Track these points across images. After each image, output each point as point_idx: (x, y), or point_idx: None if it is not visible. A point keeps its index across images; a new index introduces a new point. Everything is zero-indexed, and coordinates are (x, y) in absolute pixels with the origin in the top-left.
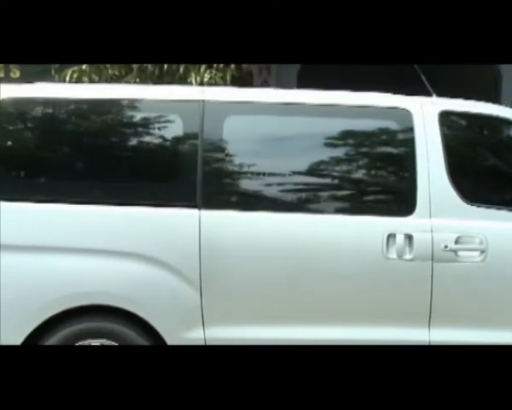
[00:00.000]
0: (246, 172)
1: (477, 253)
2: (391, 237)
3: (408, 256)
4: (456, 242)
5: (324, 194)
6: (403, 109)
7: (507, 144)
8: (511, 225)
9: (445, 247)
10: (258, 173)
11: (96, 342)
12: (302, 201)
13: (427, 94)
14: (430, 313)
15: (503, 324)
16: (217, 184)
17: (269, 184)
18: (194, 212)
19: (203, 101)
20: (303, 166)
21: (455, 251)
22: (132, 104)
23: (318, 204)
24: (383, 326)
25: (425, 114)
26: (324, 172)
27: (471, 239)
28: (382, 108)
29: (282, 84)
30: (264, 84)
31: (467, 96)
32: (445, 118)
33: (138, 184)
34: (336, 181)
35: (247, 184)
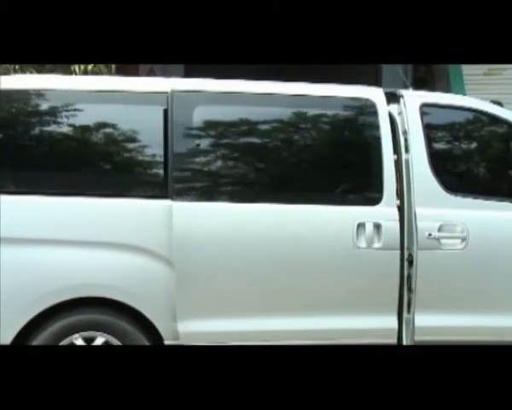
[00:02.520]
0: (216, 163)
1: (459, 240)
2: (360, 226)
3: (377, 245)
4: (439, 230)
5: (295, 184)
6: (367, 100)
7: (485, 136)
8: (490, 213)
9: (429, 235)
10: (229, 163)
11: (88, 335)
12: (273, 191)
13: (404, 87)
14: (401, 300)
15: (484, 308)
16: (188, 175)
17: (239, 175)
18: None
19: (172, 91)
20: (273, 156)
21: (438, 239)
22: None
23: (289, 194)
24: (354, 315)
25: (406, 106)
26: (295, 163)
27: (453, 227)
28: (347, 98)
29: (167, 73)
30: (151, 73)
31: None
32: (426, 110)
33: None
34: (306, 171)
35: (217, 175)
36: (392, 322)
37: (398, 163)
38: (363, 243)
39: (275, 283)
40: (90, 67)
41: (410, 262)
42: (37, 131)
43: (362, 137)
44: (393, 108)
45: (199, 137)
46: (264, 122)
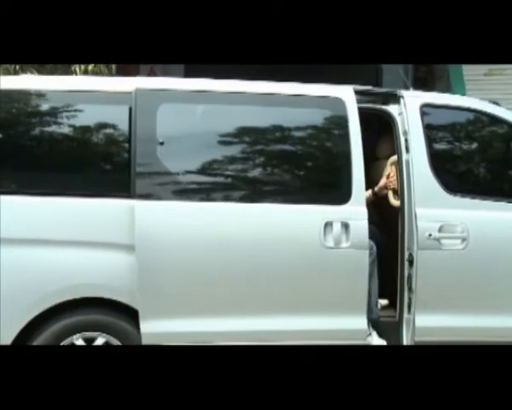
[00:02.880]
0: (180, 162)
1: (459, 241)
2: (328, 225)
3: (345, 244)
4: (440, 230)
5: (260, 182)
6: (336, 98)
7: (485, 136)
8: (490, 213)
9: (429, 235)
10: (193, 163)
11: (89, 335)
12: (238, 190)
13: (405, 87)
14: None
15: (484, 308)
16: (150, 174)
17: (204, 174)
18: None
19: (136, 90)
20: (238, 155)
21: (438, 239)
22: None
23: (254, 193)
24: (322, 316)
25: (407, 106)
26: (261, 161)
27: (453, 228)
28: (316, 97)
29: (168, 73)
30: (151, 73)
31: None
32: (426, 110)
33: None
34: (273, 170)
35: (180, 174)
36: (361, 323)
37: (398, 163)
38: (330, 243)
39: (239, 283)
40: (90, 67)
41: (411, 262)
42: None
43: (330, 135)
44: (394, 108)
45: (162, 135)
46: (231, 120)
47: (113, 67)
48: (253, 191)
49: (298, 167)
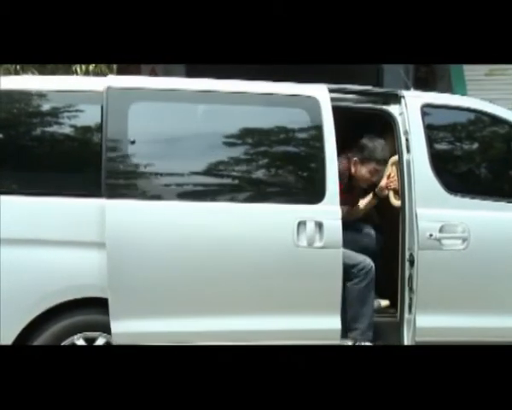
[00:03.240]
0: (152, 161)
1: (460, 241)
2: (301, 224)
3: (318, 244)
4: (441, 230)
5: (233, 182)
6: (309, 97)
7: (486, 136)
8: (491, 213)
9: (430, 235)
10: (164, 161)
11: (89, 335)
12: (210, 189)
13: (406, 87)
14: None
15: (485, 309)
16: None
17: (175, 173)
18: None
19: (107, 89)
20: (210, 154)
21: (439, 239)
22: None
23: (227, 193)
24: (296, 316)
25: (407, 106)
26: (233, 160)
27: (454, 228)
28: (289, 95)
29: (169, 73)
30: (152, 73)
31: None
32: (427, 110)
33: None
34: (245, 168)
35: (151, 174)
36: (335, 323)
37: (399, 163)
38: (303, 242)
39: (211, 283)
40: (91, 67)
41: (411, 263)
42: None
43: (304, 134)
44: (394, 108)
45: (134, 134)
46: (202, 119)
47: (115, 67)
48: (225, 191)
49: (270, 166)
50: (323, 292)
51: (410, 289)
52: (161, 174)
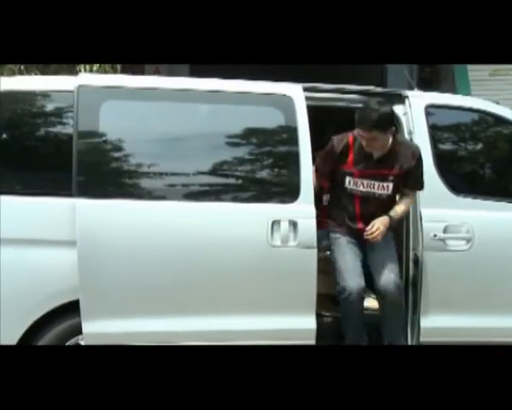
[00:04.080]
0: (123, 160)
1: (464, 241)
2: (275, 223)
3: (292, 243)
4: (445, 231)
5: (206, 181)
6: (284, 95)
7: (490, 136)
8: (495, 214)
9: (434, 236)
10: (137, 160)
11: None
12: (184, 189)
13: (410, 87)
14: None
15: (489, 309)
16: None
17: (147, 172)
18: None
19: (77, 87)
20: (184, 152)
21: (443, 240)
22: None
23: (199, 192)
24: (270, 315)
25: (411, 106)
26: (206, 159)
27: (458, 228)
28: (264, 94)
29: (173, 73)
30: (156, 73)
31: None
32: (431, 110)
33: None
34: (218, 168)
35: (124, 172)
36: (310, 322)
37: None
38: (277, 242)
39: (183, 283)
40: (95, 67)
41: (416, 263)
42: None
43: (278, 133)
44: (399, 108)
45: (105, 133)
46: (176, 118)
47: (119, 67)
48: (199, 190)
49: (244, 166)
50: (298, 292)
51: (415, 290)
52: (132, 173)
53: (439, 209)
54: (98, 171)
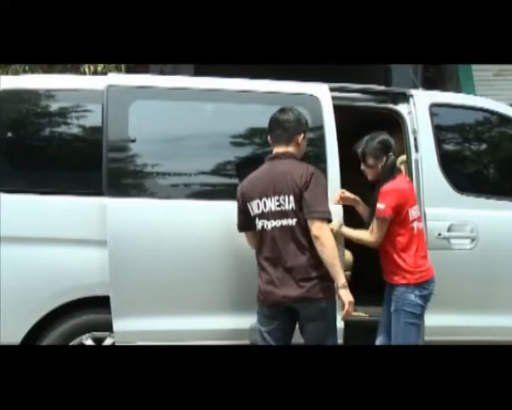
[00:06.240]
0: (153, 159)
1: (468, 240)
2: None
3: None
4: (449, 230)
5: (237, 181)
6: (311, 95)
7: (495, 136)
8: (499, 213)
9: (439, 235)
10: (166, 160)
11: (98, 335)
12: (215, 189)
13: (414, 87)
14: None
15: (493, 308)
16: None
17: (178, 172)
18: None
19: (107, 87)
20: (214, 153)
21: (448, 239)
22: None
23: (232, 191)
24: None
25: (416, 105)
26: (234, 158)
27: (463, 227)
28: (291, 94)
29: (177, 73)
30: (161, 73)
31: None
32: (436, 110)
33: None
34: (247, 167)
35: (153, 171)
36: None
37: (407, 163)
38: None
39: (215, 281)
40: (99, 67)
41: None
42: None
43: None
44: (403, 107)
45: (134, 133)
46: (205, 118)
47: (123, 67)
48: (229, 189)
49: None
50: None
51: None
52: (161, 173)
53: (444, 208)
54: (128, 170)
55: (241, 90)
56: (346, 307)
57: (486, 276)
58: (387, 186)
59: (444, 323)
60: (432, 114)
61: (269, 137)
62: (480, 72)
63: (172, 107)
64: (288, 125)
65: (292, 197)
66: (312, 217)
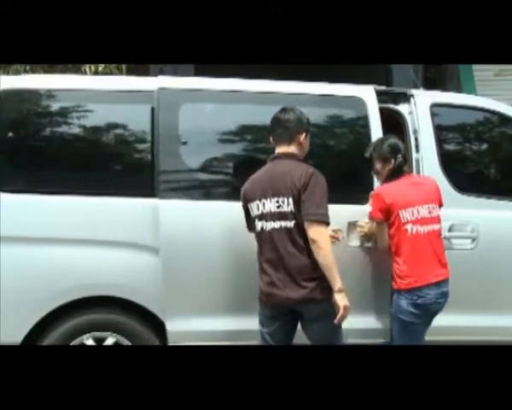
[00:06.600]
0: (202, 161)
1: (469, 240)
2: (351, 224)
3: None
4: (450, 230)
5: None
6: (358, 99)
7: (496, 136)
8: (500, 213)
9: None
10: (215, 162)
11: (99, 335)
12: None
13: (415, 87)
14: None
15: (494, 308)
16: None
17: (225, 173)
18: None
19: (158, 89)
20: (262, 155)
21: (448, 239)
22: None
23: None
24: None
25: (417, 105)
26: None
27: (463, 227)
28: (338, 97)
29: (178, 73)
30: (161, 73)
31: None
32: (436, 110)
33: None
34: None
35: (203, 174)
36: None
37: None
38: (354, 242)
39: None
40: (100, 68)
41: None
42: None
43: (351, 135)
44: (404, 107)
45: (185, 135)
46: (254, 120)
47: (124, 67)
48: None
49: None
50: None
51: None
52: (213, 175)
53: (445, 208)
54: (179, 172)
55: (291, 92)
56: (341, 311)
57: (487, 276)
58: (375, 189)
59: (445, 323)
60: (433, 114)
61: (271, 138)
62: (481, 72)
63: (222, 109)
64: (288, 124)
65: (291, 199)
66: (310, 219)
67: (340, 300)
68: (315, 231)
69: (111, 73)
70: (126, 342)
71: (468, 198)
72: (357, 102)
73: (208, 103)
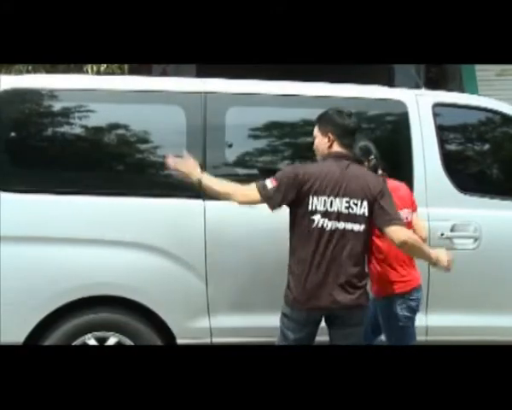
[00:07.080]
0: (249, 165)
1: (471, 240)
2: None
3: None
4: (452, 230)
5: None
6: (398, 101)
7: (498, 136)
8: (502, 213)
9: (442, 234)
10: (259, 164)
11: (101, 335)
12: None
13: (417, 87)
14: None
15: (496, 308)
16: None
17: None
18: (199, 202)
19: (205, 93)
20: (289, 154)
21: (450, 239)
22: (136, 97)
23: None
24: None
25: (419, 105)
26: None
27: (465, 227)
28: (377, 99)
29: (180, 73)
30: (163, 73)
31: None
32: (439, 110)
33: (142, 176)
34: None
35: (247, 174)
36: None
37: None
38: None
39: None
40: (102, 68)
41: None
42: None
43: (394, 137)
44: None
45: (231, 137)
46: (290, 122)
47: (126, 67)
48: None
49: None
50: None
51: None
52: (257, 176)
53: (447, 208)
54: (226, 175)
55: (338, 96)
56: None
57: (489, 276)
58: None
59: (446, 323)
60: (435, 114)
61: (329, 134)
62: (483, 72)
63: (269, 113)
64: (355, 127)
65: (365, 202)
66: (396, 223)
67: (443, 255)
68: (404, 234)
69: (113, 74)
70: (129, 342)
71: (470, 198)
72: (398, 106)
73: (254, 107)
